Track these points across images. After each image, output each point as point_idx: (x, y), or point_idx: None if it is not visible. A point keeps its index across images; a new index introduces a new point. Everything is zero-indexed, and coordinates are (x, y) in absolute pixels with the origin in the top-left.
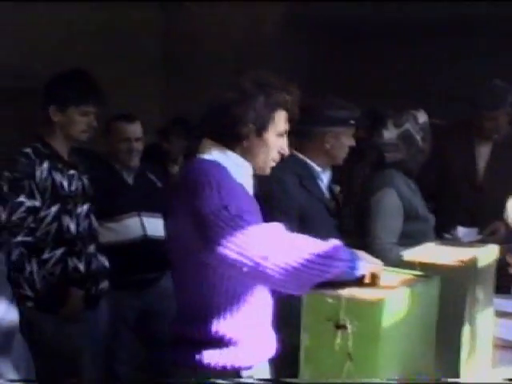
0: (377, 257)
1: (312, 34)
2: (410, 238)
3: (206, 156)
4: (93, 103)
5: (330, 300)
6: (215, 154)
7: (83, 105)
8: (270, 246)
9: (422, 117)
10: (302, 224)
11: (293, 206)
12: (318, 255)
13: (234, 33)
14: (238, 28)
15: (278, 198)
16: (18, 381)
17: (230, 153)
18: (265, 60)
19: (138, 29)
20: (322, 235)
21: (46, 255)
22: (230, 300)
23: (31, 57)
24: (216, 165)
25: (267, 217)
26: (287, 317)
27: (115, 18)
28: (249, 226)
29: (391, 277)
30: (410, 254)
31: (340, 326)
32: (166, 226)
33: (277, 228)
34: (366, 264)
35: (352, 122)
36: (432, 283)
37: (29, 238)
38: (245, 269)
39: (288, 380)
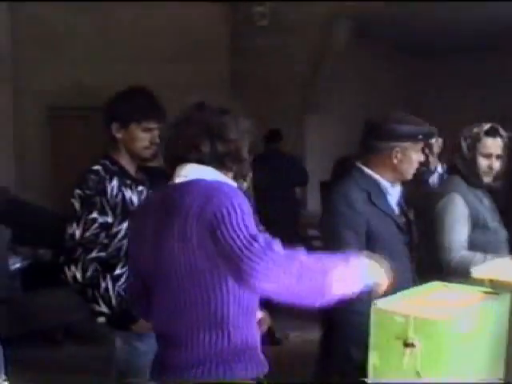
0: (447, 271)
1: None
2: (479, 249)
3: (208, 178)
4: (154, 119)
5: (398, 318)
6: (216, 176)
7: (144, 121)
8: (298, 272)
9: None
10: (369, 240)
11: (360, 222)
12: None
13: (301, 49)
14: (304, 44)
15: (344, 214)
16: None
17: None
18: (332, 77)
19: (206, 44)
20: (391, 252)
21: (118, 271)
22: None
23: (105, 76)
24: (230, 186)
25: (334, 232)
26: (349, 332)
27: (185, 35)
28: (279, 257)
29: (460, 294)
30: (480, 271)
31: (408, 345)
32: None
33: (300, 253)
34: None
35: (420, 137)
36: (502, 300)
37: (103, 254)
38: (280, 296)
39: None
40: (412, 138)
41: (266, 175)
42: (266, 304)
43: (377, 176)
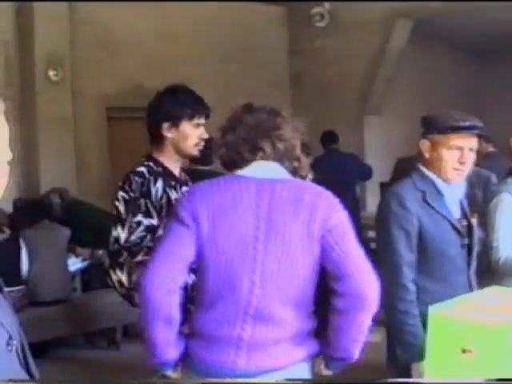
0: (494, 271)
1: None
2: None
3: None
4: (203, 115)
5: (455, 324)
6: (287, 174)
7: (196, 117)
8: None
9: None
10: (421, 241)
11: (411, 222)
12: None
13: (359, 50)
14: (364, 46)
15: (395, 213)
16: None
17: None
18: (391, 77)
19: (265, 45)
20: (444, 254)
21: None
22: None
23: (165, 77)
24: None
25: (385, 231)
26: (393, 332)
27: (245, 37)
28: None
29: None
30: None
31: (466, 351)
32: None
33: None
34: None
35: (448, 130)
36: None
37: (148, 258)
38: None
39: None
40: (440, 130)
41: (326, 176)
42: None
43: (433, 176)
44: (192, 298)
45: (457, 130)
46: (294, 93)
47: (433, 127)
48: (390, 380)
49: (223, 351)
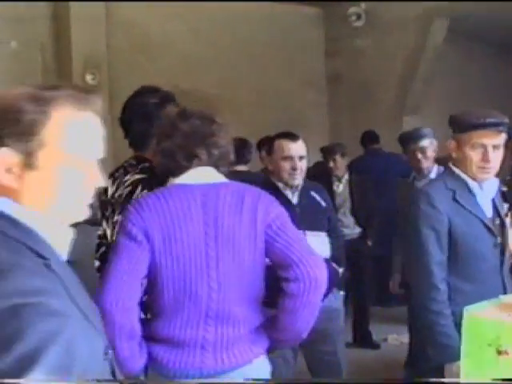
0: None
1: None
2: None
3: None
4: None
5: (490, 325)
6: (224, 179)
7: None
8: None
9: None
10: (451, 240)
11: (441, 221)
12: None
13: (397, 49)
14: (401, 45)
15: (424, 212)
16: None
17: None
18: (429, 77)
19: (302, 46)
20: (475, 253)
21: None
22: None
23: (195, 78)
24: None
25: (414, 229)
26: (424, 332)
27: (281, 38)
28: None
29: None
30: None
31: (501, 352)
32: None
33: None
34: None
35: (468, 127)
36: None
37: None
38: None
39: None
40: (463, 128)
41: (364, 176)
42: (363, 308)
43: (464, 175)
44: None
45: (478, 127)
46: (330, 93)
47: (457, 126)
48: (432, 380)
49: (189, 354)
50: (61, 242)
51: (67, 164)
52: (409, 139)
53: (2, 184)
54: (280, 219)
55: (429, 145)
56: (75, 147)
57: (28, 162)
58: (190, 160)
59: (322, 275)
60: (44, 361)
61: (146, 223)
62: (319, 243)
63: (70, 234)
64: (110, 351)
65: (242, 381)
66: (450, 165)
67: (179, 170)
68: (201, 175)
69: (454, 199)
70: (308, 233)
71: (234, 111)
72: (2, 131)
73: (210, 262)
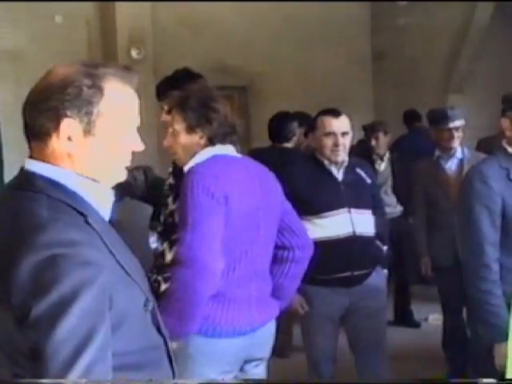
0: None
1: None
2: None
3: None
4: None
5: None
6: None
7: None
8: None
9: None
10: (506, 219)
11: (494, 199)
12: None
13: (442, 28)
14: (447, 23)
15: (477, 190)
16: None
17: None
18: (474, 55)
19: (348, 24)
20: None
21: None
22: None
23: (241, 55)
24: None
25: (467, 208)
26: (475, 311)
27: (326, 15)
28: None
29: None
30: None
31: None
32: None
33: None
34: None
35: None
36: None
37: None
38: None
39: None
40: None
41: (406, 154)
42: (404, 286)
43: None
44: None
45: None
46: (375, 71)
47: (511, 105)
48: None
49: (239, 310)
50: (104, 203)
51: (118, 131)
52: (440, 117)
53: (62, 151)
54: (283, 196)
55: (460, 125)
56: (123, 116)
57: (87, 130)
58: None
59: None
60: (77, 306)
61: (224, 185)
62: (364, 221)
63: (111, 196)
64: (150, 303)
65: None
66: (504, 143)
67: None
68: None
69: (508, 178)
70: (353, 210)
71: (278, 88)
72: (64, 104)
73: (260, 223)
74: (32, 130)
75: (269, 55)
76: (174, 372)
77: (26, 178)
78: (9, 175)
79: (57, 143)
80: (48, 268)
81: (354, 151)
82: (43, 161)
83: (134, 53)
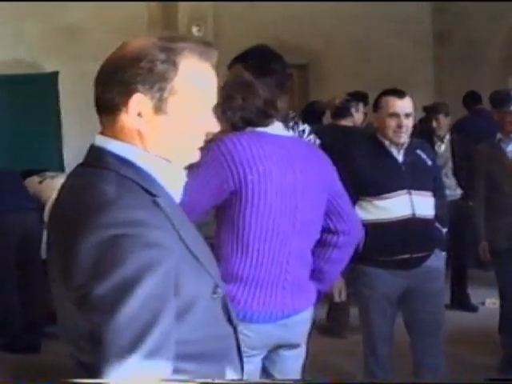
0: None
1: None
2: None
3: None
4: None
5: None
6: None
7: None
8: None
9: None
10: None
11: None
12: None
13: (505, 9)
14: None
15: None
16: None
17: None
18: None
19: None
20: None
21: None
22: None
23: (298, 32)
24: None
25: None
26: None
27: None
28: None
29: None
30: None
31: None
32: None
33: None
34: None
35: None
36: None
37: None
38: None
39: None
40: None
41: (468, 137)
42: (461, 270)
43: None
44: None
45: None
46: (437, 52)
47: None
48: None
49: (271, 294)
50: (175, 184)
51: (192, 110)
52: (504, 100)
53: (132, 127)
54: (336, 178)
55: None
56: (198, 94)
57: (158, 107)
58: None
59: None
60: (140, 289)
61: (250, 161)
62: (424, 203)
63: (183, 177)
64: (219, 290)
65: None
66: None
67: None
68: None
69: None
70: (413, 192)
71: (339, 67)
72: (135, 78)
73: (297, 204)
74: (102, 104)
75: (329, 33)
76: (242, 364)
77: (95, 155)
78: (68, 150)
79: (126, 118)
80: (111, 248)
81: (414, 132)
82: (113, 137)
83: (194, 30)
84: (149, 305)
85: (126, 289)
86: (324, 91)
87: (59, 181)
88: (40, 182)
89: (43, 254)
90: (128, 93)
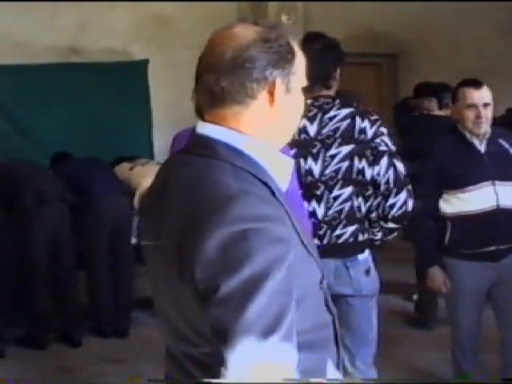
0: None
1: None
2: None
3: None
4: None
5: None
6: None
7: None
8: None
9: None
10: None
11: None
12: None
13: None
14: None
15: None
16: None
17: None
18: None
19: None
20: None
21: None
22: None
23: (391, 21)
24: None
25: None
26: None
27: None
28: None
29: None
30: None
31: None
32: None
33: None
34: None
35: None
36: None
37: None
38: None
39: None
40: None
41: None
42: None
43: None
44: None
45: None
46: None
47: None
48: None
49: None
50: (282, 171)
51: (300, 90)
52: None
53: (264, 113)
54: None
55: None
56: (303, 74)
57: (288, 90)
58: None
59: None
60: (269, 284)
61: None
62: (509, 193)
63: (291, 166)
64: (325, 281)
65: None
66: None
67: None
68: None
69: None
70: (497, 182)
71: (427, 57)
72: (271, 64)
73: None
74: (223, 95)
75: (419, 23)
76: (339, 352)
77: (203, 144)
78: (158, 137)
79: (258, 106)
80: (240, 243)
81: (499, 121)
82: (221, 125)
83: (284, 18)
84: (276, 300)
85: (255, 284)
86: (414, 80)
87: (149, 168)
88: (131, 169)
89: (133, 239)
90: (264, 79)
